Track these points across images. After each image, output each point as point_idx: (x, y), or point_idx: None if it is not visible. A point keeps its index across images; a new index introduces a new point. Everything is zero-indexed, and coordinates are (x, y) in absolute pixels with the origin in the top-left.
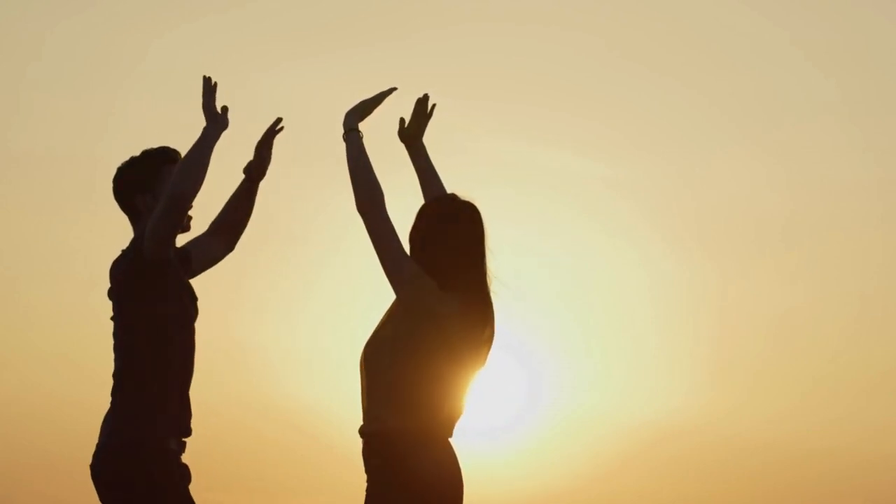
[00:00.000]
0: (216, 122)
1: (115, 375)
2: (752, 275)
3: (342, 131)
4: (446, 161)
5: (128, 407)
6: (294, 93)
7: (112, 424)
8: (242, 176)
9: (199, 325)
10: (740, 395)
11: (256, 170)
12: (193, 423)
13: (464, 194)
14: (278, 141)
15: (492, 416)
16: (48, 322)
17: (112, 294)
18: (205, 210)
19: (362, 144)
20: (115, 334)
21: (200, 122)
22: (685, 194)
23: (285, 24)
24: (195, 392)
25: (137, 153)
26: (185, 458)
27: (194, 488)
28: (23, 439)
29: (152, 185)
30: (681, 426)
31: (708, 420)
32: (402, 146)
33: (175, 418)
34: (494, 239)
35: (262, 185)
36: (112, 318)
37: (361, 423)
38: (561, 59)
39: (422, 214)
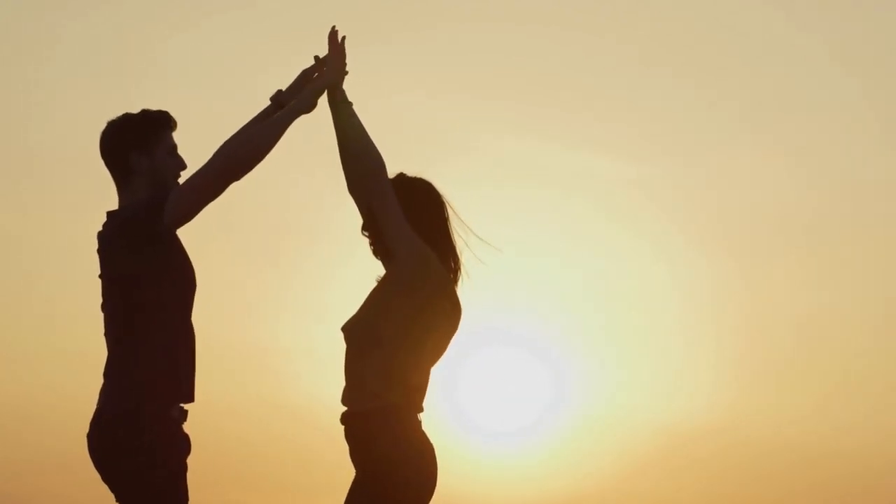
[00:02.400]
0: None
1: (112, 340)
2: (776, 274)
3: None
4: (468, 159)
5: (126, 372)
6: None
7: (109, 390)
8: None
9: (221, 327)
10: (765, 395)
11: (286, 95)
12: (215, 422)
13: (413, 171)
14: (296, 140)
15: (517, 416)
16: (53, 320)
17: (109, 252)
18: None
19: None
20: (109, 296)
21: (216, 120)
22: (708, 194)
23: (297, 21)
24: (215, 393)
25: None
26: (207, 452)
27: (217, 488)
28: (23, 438)
29: (150, 145)
30: (705, 426)
31: (733, 420)
32: (427, 138)
33: (179, 384)
34: (520, 239)
35: (279, 184)
36: (101, 277)
37: (348, 402)
38: (583, 60)
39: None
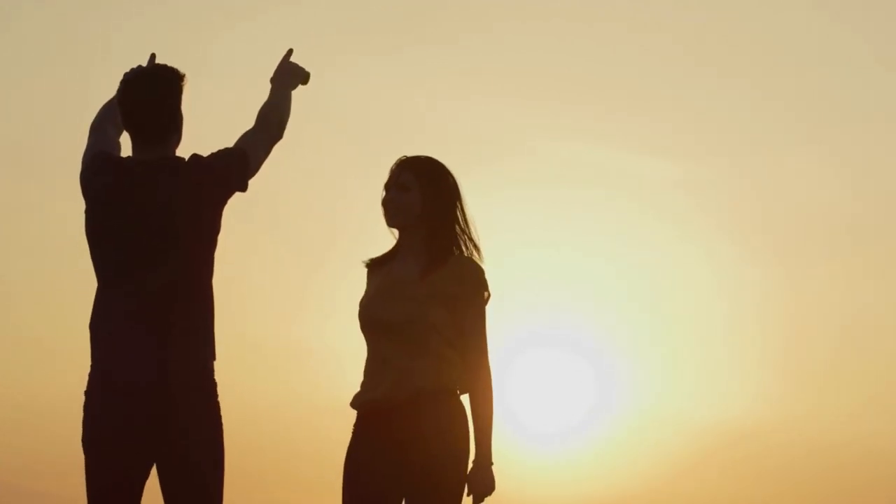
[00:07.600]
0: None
1: (167, 293)
2: (822, 276)
3: (404, 132)
4: (519, 161)
5: (204, 329)
6: (357, 92)
7: (180, 347)
8: (300, 167)
9: (266, 327)
10: (811, 396)
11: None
12: (261, 421)
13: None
14: (342, 143)
15: (562, 417)
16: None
17: (187, 198)
18: None
19: None
20: (165, 245)
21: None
22: (755, 195)
23: (345, 21)
24: (264, 392)
25: (188, 116)
26: (253, 451)
27: (266, 487)
28: (24, 439)
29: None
30: (751, 427)
31: (778, 421)
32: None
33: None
34: (568, 239)
35: (327, 184)
36: (155, 228)
37: (410, 382)
38: (631, 60)
39: (443, 185)
